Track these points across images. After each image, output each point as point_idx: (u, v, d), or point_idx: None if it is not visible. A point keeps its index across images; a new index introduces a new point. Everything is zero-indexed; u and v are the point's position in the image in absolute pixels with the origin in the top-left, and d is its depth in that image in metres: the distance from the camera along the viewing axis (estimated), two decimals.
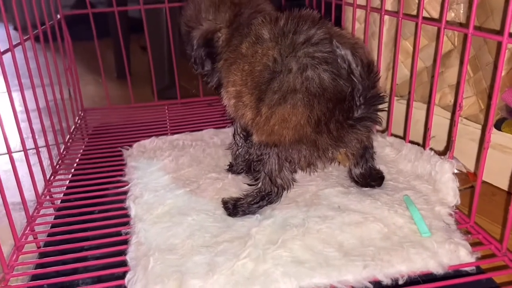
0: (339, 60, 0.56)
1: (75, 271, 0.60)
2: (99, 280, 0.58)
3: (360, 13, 0.94)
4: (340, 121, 0.57)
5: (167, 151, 0.84)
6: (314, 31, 0.60)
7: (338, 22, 1.01)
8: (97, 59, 1.11)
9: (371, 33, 0.96)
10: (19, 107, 0.70)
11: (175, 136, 0.91)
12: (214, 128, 0.96)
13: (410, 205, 0.63)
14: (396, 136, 0.82)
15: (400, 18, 0.76)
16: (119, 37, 1.11)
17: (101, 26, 1.08)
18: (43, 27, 0.85)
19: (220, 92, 0.70)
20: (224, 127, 0.97)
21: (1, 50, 0.63)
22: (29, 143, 0.74)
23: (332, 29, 0.63)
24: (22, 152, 0.67)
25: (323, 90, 0.57)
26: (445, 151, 0.84)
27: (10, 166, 0.62)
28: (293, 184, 0.64)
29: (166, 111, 1.14)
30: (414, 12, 0.89)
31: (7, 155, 0.61)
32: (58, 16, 0.98)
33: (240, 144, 0.74)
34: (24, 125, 0.69)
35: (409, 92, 0.88)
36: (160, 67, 1.33)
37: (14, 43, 0.68)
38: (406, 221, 0.61)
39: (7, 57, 0.64)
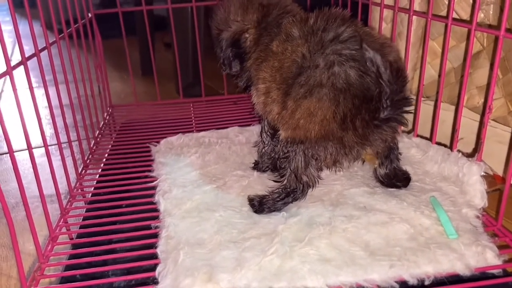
0: (367, 63, 0.56)
1: (105, 263, 0.62)
2: (129, 272, 0.60)
3: (386, 13, 0.94)
4: (366, 119, 0.58)
5: (194, 148, 0.86)
6: (343, 29, 0.60)
7: (365, 22, 1.01)
8: (122, 56, 1.13)
9: (397, 33, 0.95)
10: (46, 103, 0.72)
11: (201, 133, 0.93)
12: (239, 126, 0.97)
13: (437, 206, 0.63)
14: (421, 137, 0.82)
15: (429, 19, 0.75)
16: (145, 35, 1.13)
17: (126, 24, 1.11)
18: (76, 25, 0.88)
19: (250, 91, 0.71)
20: (248, 125, 0.98)
21: (39, 48, 0.66)
22: (60, 138, 0.76)
23: (361, 28, 0.63)
24: (53, 146, 0.69)
25: (349, 85, 0.58)
26: (472, 153, 0.83)
27: (41, 160, 0.64)
28: (318, 181, 0.65)
29: (191, 108, 1.16)
30: (443, 13, 0.88)
31: (38, 149, 0.63)
32: (90, 15, 1.01)
33: (267, 142, 0.75)
34: (55, 120, 0.71)
35: (437, 93, 0.87)
36: (185, 65, 1.35)
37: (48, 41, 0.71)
38: (433, 223, 0.61)
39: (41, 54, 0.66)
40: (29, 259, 0.70)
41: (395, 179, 0.68)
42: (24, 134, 0.57)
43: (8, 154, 0.47)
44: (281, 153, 0.65)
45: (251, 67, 0.70)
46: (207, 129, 0.97)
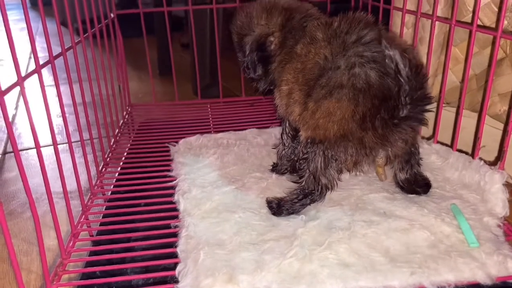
0: (387, 60, 0.56)
1: (123, 260, 0.63)
2: (147, 270, 0.61)
3: (408, 18, 0.93)
4: (385, 119, 0.58)
5: (212, 148, 0.86)
6: (365, 32, 0.61)
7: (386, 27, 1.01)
8: (139, 56, 1.14)
9: (419, 38, 0.95)
10: (68, 101, 0.73)
11: (219, 134, 0.93)
12: (256, 128, 0.98)
13: (458, 214, 0.63)
14: (441, 143, 0.82)
15: (453, 25, 0.75)
16: (163, 35, 1.14)
17: (146, 23, 1.11)
18: (100, 25, 0.89)
19: (272, 94, 0.71)
20: (266, 127, 0.99)
21: (65, 47, 0.67)
22: (82, 136, 0.77)
23: (384, 32, 0.63)
24: (73, 144, 0.69)
25: (368, 86, 0.58)
26: (494, 162, 0.82)
27: (55, 157, 0.64)
28: (337, 184, 0.64)
29: (209, 109, 1.17)
30: (465, 19, 0.87)
31: (53, 147, 0.63)
32: (112, 15, 1.02)
33: (287, 144, 0.76)
34: (78, 117, 0.72)
35: (459, 99, 0.86)
36: (202, 66, 1.36)
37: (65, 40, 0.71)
38: (454, 230, 0.60)
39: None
40: (49, 254, 0.71)
41: (415, 184, 0.68)
42: (50, 131, 0.58)
43: (28, 151, 0.48)
44: (300, 154, 0.65)
45: (275, 70, 0.70)
46: (225, 130, 0.98)
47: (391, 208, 0.64)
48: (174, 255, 0.59)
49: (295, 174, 0.75)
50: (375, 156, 0.61)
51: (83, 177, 0.76)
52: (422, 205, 0.65)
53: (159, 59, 1.64)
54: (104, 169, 0.85)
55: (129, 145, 0.98)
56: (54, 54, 0.61)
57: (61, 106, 0.63)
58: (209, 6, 1.15)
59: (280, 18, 0.70)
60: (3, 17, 0.46)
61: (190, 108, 1.20)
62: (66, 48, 0.67)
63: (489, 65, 0.85)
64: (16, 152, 0.46)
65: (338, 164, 0.62)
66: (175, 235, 0.64)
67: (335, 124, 0.59)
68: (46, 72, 0.60)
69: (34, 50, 0.55)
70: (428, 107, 0.59)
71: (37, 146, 0.53)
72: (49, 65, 0.61)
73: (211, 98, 1.23)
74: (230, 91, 1.37)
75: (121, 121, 1.07)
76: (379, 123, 0.57)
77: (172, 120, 1.11)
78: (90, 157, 0.80)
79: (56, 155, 0.59)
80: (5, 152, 1.10)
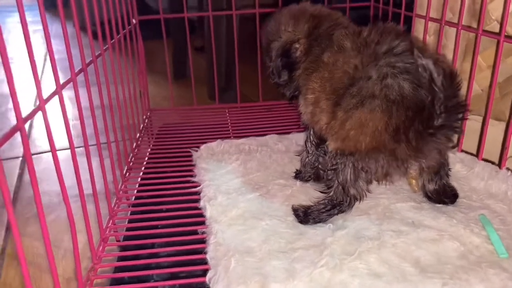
0: (420, 69, 0.56)
1: (149, 266, 0.63)
2: (172, 276, 0.62)
3: (430, 24, 0.93)
4: (420, 130, 0.57)
5: (235, 154, 0.86)
6: (397, 42, 0.60)
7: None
8: (155, 59, 1.14)
9: (441, 46, 0.95)
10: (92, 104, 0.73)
11: (241, 140, 0.94)
12: (276, 133, 0.98)
13: (487, 224, 0.63)
14: (466, 152, 0.81)
15: (479, 34, 0.75)
16: (179, 39, 1.15)
17: (160, 27, 1.12)
18: (124, 31, 0.90)
19: (298, 101, 0.71)
20: (286, 132, 0.99)
21: (95, 54, 0.67)
22: (108, 138, 0.77)
23: (416, 41, 0.63)
24: (94, 147, 0.69)
25: (402, 98, 0.57)
26: None
27: (80, 160, 0.64)
28: (366, 195, 0.64)
29: (227, 114, 1.17)
30: (488, 27, 0.87)
31: (78, 149, 0.63)
32: (134, 21, 1.03)
33: (311, 152, 0.76)
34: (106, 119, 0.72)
35: (485, 108, 0.86)
36: (218, 70, 1.36)
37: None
38: (483, 241, 0.60)
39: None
40: (73, 259, 0.71)
41: (444, 195, 0.68)
42: (82, 132, 0.59)
43: (51, 153, 0.48)
44: (329, 165, 0.65)
45: (299, 77, 0.70)
46: (245, 136, 0.98)
47: (419, 218, 0.64)
48: (200, 262, 0.60)
49: (319, 183, 0.75)
50: (407, 167, 0.61)
51: (102, 181, 0.76)
52: (451, 215, 0.65)
53: (174, 63, 1.65)
54: (128, 173, 0.86)
55: (149, 149, 0.98)
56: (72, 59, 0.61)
57: (92, 109, 0.63)
58: (229, 12, 1.16)
59: (307, 25, 0.71)
60: (21, 20, 0.47)
61: (208, 112, 1.20)
62: (87, 62, 0.68)
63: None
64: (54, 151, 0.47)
65: (368, 175, 0.62)
66: (201, 241, 0.64)
67: (368, 136, 0.59)
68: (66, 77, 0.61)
69: (70, 59, 0.56)
70: (463, 115, 0.59)
71: (86, 145, 0.53)
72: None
73: (226, 102, 1.23)
74: (246, 96, 1.37)
75: (142, 125, 1.07)
76: (413, 135, 0.57)
77: (191, 124, 1.12)
78: (109, 161, 0.80)
79: (87, 157, 0.60)
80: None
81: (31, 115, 0.44)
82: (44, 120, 0.48)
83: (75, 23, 0.61)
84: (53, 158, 0.49)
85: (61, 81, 0.54)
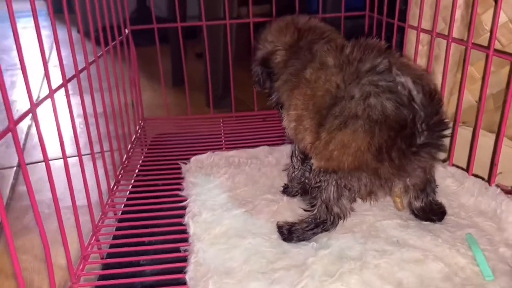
0: (399, 87, 0.55)
1: (132, 285, 0.62)
2: None
3: (423, 35, 0.92)
4: (403, 149, 0.57)
5: (224, 168, 0.86)
6: (380, 60, 0.59)
7: (400, 45, 1.00)
8: (153, 65, 1.13)
9: (434, 56, 0.93)
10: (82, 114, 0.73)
11: (231, 152, 0.93)
12: (268, 145, 0.97)
13: (473, 244, 0.61)
14: (457, 166, 0.80)
15: (469, 47, 0.73)
16: (177, 46, 1.15)
17: (160, 32, 1.11)
18: (113, 42, 0.90)
19: (280, 111, 0.71)
20: (278, 144, 0.98)
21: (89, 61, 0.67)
22: (93, 149, 0.77)
23: (398, 59, 0.62)
24: (85, 157, 0.69)
25: (385, 117, 0.57)
26: (511, 186, 0.80)
27: (72, 170, 0.64)
28: (350, 213, 0.64)
29: (221, 124, 1.17)
30: (482, 38, 0.85)
31: (62, 159, 0.63)
32: (127, 31, 1.03)
33: (297, 167, 0.75)
34: (89, 130, 0.72)
35: (475, 120, 0.84)
36: (215, 77, 1.36)
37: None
38: (469, 262, 0.59)
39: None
40: (60, 273, 0.71)
41: (431, 212, 0.67)
42: (76, 142, 0.59)
43: (43, 163, 0.48)
44: (312, 182, 0.64)
45: (279, 88, 0.70)
46: (237, 147, 0.98)
47: (405, 237, 0.63)
48: (181, 282, 0.59)
49: (305, 199, 0.75)
50: (391, 186, 0.60)
51: (94, 193, 0.76)
52: (437, 234, 0.63)
53: (173, 69, 1.65)
54: (115, 186, 0.85)
55: (140, 161, 0.98)
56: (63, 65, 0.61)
57: (85, 117, 0.64)
58: (223, 22, 1.15)
59: (289, 37, 0.71)
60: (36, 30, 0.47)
61: (202, 122, 1.20)
62: (80, 69, 0.68)
63: (507, 85, 0.83)
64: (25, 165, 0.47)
65: (352, 193, 0.61)
66: (184, 259, 0.63)
67: (350, 156, 0.58)
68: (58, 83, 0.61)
69: (61, 65, 0.56)
70: (445, 132, 0.58)
71: (46, 159, 0.53)
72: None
73: (224, 109, 1.23)
74: (243, 102, 1.36)
75: (134, 136, 1.07)
76: (396, 153, 0.56)
77: (184, 134, 1.11)
78: (101, 171, 0.80)
79: (66, 169, 0.59)
80: (19, 165, 1.11)
81: (22, 117, 0.47)
82: (35, 123, 0.49)
83: (68, 30, 0.61)
84: (46, 167, 0.50)
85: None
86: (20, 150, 0.46)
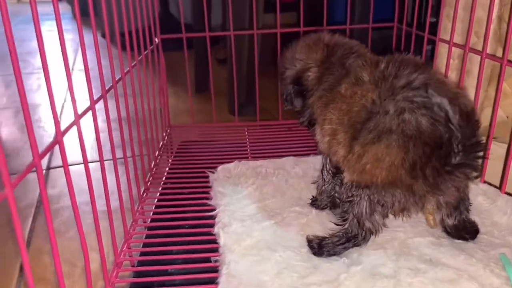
0: (435, 108, 0.55)
1: None
2: None
3: (453, 49, 0.91)
4: (437, 167, 0.56)
5: (251, 178, 0.86)
6: (415, 76, 0.59)
7: (431, 57, 0.99)
8: (177, 71, 1.14)
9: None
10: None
11: (258, 162, 0.93)
12: (294, 155, 0.97)
13: (507, 265, 0.60)
14: (489, 183, 0.79)
15: (504, 64, 0.72)
16: (201, 52, 1.16)
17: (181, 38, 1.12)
18: (146, 52, 0.91)
19: (314, 129, 0.71)
20: (303, 155, 0.98)
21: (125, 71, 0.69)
22: (125, 155, 0.78)
23: (434, 75, 0.62)
24: (112, 165, 0.69)
25: (419, 133, 0.56)
26: None
27: (97, 176, 0.64)
28: (382, 229, 0.63)
29: (246, 132, 1.17)
30: None
31: (93, 164, 0.64)
32: (157, 40, 1.04)
33: (328, 180, 0.75)
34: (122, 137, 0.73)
35: (510, 138, 0.83)
36: (239, 84, 1.37)
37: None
38: (503, 283, 0.58)
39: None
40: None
41: (464, 231, 0.66)
42: (111, 146, 0.59)
43: (63, 168, 0.48)
44: (344, 196, 0.64)
45: (313, 104, 0.70)
46: (262, 157, 0.98)
47: (438, 255, 0.63)
48: None
49: (334, 212, 0.75)
50: (424, 203, 0.60)
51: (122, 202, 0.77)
52: (470, 253, 0.63)
53: (196, 76, 1.67)
54: (145, 194, 0.87)
55: (167, 168, 0.99)
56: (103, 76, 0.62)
57: (120, 124, 0.65)
58: (250, 32, 1.16)
59: (319, 54, 0.71)
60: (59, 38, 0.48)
61: (227, 130, 1.20)
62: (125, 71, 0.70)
63: None
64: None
65: (385, 209, 0.61)
66: (214, 270, 0.64)
67: (383, 170, 0.58)
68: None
69: (101, 77, 0.57)
70: (481, 153, 0.57)
71: (86, 162, 0.54)
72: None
73: (246, 116, 1.23)
74: (266, 111, 1.37)
75: (161, 143, 1.08)
76: (430, 171, 0.56)
77: (210, 142, 1.12)
78: (125, 178, 0.80)
79: (102, 175, 0.60)
80: (48, 168, 1.14)
81: (67, 129, 0.48)
82: (79, 135, 0.51)
83: (107, 40, 0.62)
84: (86, 170, 0.51)
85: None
86: (66, 162, 0.47)
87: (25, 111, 0.38)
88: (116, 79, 0.63)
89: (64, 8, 3.47)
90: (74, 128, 0.50)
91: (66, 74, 0.49)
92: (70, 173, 0.49)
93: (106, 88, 0.62)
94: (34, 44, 0.40)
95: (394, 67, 0.61)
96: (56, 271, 0.46)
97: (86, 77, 0.54)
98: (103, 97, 0.59)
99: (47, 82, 0.44)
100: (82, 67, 0.58)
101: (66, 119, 1.45)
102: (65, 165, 0.48)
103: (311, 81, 0.70)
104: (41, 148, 0.41)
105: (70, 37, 2.58)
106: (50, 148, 0.44)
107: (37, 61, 2.20)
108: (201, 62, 1.63)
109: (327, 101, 0.67)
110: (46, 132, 1.38)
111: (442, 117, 0.54)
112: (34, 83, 1.89)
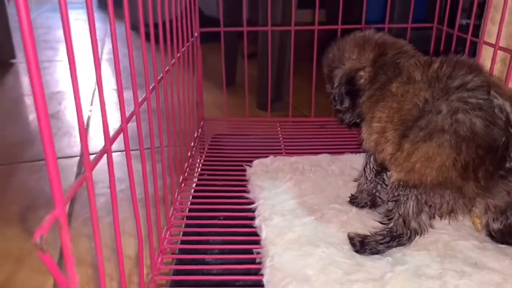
0: (496, 110, 0.55)
1: (208, 283, 0.64)
2: None
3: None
4: (490, 170, 0.56)
5: (289, 173, 0.87)
6: (470, 77, 0.59)
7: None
8: (206, 64, 1.15)
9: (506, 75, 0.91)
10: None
11: (293, 158, 0.94)
12: (328, 153, 0.97)
13: None
14: None
15: None
16: (230, 46, 1.15)
17: (210, 31, 1.12)
18: (187, 44, 0.92)
19: (360, 127, 0.71)
20: (338, 152, 0.98)
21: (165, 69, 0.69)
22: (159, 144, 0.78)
23: (489, 77, 0.61)
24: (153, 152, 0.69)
25: (473, 134, 0.56)
26: None
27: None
28: (428, 230, 0.63)
29: (278, 128, 1.17)
30: None
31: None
32: (196, 34, 1.05)
33: (370, 178, 0.75)
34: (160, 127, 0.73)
35: None
36: (267, 80, 1.37)
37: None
38: None
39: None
40: (129, 263, 0.73)
41: (508, 236, 0.65)
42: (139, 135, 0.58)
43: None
44: (390, 195, 0.64)
45: (363, 104, 0.70)
46: (296, 153, 0.98)
47: (483, 259, 0.62)
48: (255, 284, 0.60)
49: (375, 210, 0.75)
50: (474, 206, 0.59)
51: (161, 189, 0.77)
52: None
53: (225, 70, 1.67)
54: (183, 183, 0.88)
55: (202, 160, 1.00)
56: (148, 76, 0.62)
57: (158, 115, 0.65)
58: (287, 28, 1.16)
59: (372, 53, 0.70)
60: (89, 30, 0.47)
61: (259, 125, 1.21)
62: (166, 69, 0.70)
63: None
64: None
65: (432, 210, 0.61)
66: (254, 261, 0.65)
67: (434, 170, 0.58)
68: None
69: (146, 78, 0.57)
70: None
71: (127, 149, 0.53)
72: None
73: (274, 112, 1.24)
74: (294, 108, 1.37)
75: (196, 134, 1.09)
76: (482, 174, 0.56)
77: (242, 136, 1.13)
78: (163, 168, 0.81)
79: (153, 162, 0.61)
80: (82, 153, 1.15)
81: (115, 136, 0.47)
82: (125, 142, 0.50)
83: (150, 34, 0.61)
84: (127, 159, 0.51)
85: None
86: (112, 172, 0.46)
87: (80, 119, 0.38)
88: (155, 77, 0.62)
89: None
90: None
91: (116, 74, 0.48)
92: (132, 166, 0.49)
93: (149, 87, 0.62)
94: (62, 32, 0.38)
95: (448, 67, 0.61)
96: (97, 254, 0.46)
97: (132, 79, 0.53)
98: (147, 99, 0.58)
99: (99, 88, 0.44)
100: (108, 56, 0.58)
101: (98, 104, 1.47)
102: (127, 154, 0.49)
103: (364, 81, 0.70)
104: (72, 136, 0.41)
105: (98, 26, 2.62)
106: (100, 157, 0.43)
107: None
108: (229, 56, 1.64)
109: (376, 99, 0.66)
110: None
111: (502, 120, 0.53)
112: (61, 72, 1.92)
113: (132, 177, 0.52)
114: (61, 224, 0.31)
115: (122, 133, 0.49)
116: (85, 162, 0.39)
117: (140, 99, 0.55)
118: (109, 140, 0.44)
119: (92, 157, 0.40)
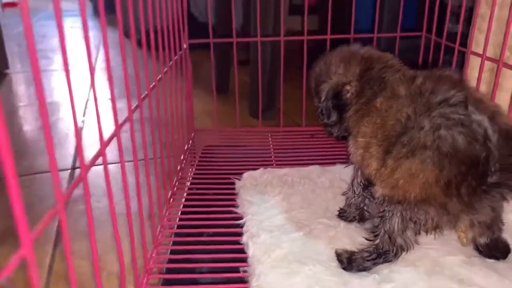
0: (474, 125, 0.55)
1: None
2: None
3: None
4: (473, 186, 0.56)
5: (278, 187, 0.86)
6: (453, 93, 0.58)
7: (460, 69, 0.98)
8: (196, 70, 1.15)
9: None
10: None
11: (283, 170, 0.93)
12: (319, 164, 0.97)
13: None
14: None
15: None
16: (222, 53, 1.15)
17: (203, 35, 1.12)
18: (177, 55, 0.91)
19: (347, 141, 0.71)
20: (328, 163, 0.98)
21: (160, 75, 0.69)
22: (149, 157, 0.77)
23: (472, 92, 0.61)
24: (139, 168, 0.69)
25: (455, 151, 0.56)
26: None
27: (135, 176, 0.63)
28: (414, 246, 0.63)
29: (269, 138, 1.17)
30: None
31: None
32: (185, 46, 1.05)
33: (358, 192, 0.74)
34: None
35: None
36: (258, 88, 1.37)
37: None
38: None
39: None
40: (115, 281, 0.73)
41: (495, 250, 0.65)
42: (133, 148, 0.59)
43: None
44: (376, 211, 0.64)
45: (350, 118, 0.70)
46: (287, 164, 0.98)
47: (470, 275, 0.62)
48: None
49: (363, 224, 0.74)
50: (458, 222, 0.59)
51: (146, 203, 0.77)
52: (503, 275, 0.62)
53: (216, 76, 1.66)
54: (171, 198, 0.87)
55: (192, 173, 0.99)
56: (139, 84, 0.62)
57: (152, 128, 0.65)
58: (277, 38, 1.16)
59: (358, 68, 0.70)
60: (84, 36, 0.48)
61: (250, 135, 1.20)
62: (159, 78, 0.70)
63: None
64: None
65: (417, 226, 0.60)
66: (242, 280, 0.64)
67: (417, 186, 0.57)
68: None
69: (138, 85, 0.58)
70: None
71: (123, 163, 0.54)
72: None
73: (266, 120, 1.23)
74: (287, 116, 1.37)
75: (186, 147, 1.09)
76: (465, 190, 0.55)
77: (233, 147, 1.13)
78: (154, 182, 0.81)
79: (136, 178, 0.60)
80: (73, 167, 1.15)
81: (109, 141, 0.48)
82: (118, 142, 0.51)
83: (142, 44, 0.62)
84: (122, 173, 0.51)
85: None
86: (109, 182, 0.46)
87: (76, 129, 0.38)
88: (147, 85, 0.63)
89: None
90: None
91: (109, 82, 0.49)
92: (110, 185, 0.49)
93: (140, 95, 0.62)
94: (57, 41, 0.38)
95: (431, 82, 0.61)
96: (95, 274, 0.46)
97: (126, 86, 0.54)
98: (139, 106, 0.59)
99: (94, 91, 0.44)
100: (104, 65, 0.58)
101: (90, 115, 1.47)
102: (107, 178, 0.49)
103: (350, 95, 0.70)
104: (63, 147, 0.41)
105: (91, 34, 2.61)
106: (95, 160, 0.45)
107: (59, 58, 2.22)
108: (221, 63, 1.63)
109: (362, 114, 0.66)
110: (69, 130, 1.39)
111: (481, 135, 0.53)
112: (55, 81, 1.91)
113: (111, 194, 0.51)
114: (29, 263, 0.31)
115: (115, 137, 0.50)
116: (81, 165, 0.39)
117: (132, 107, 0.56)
118: (103, 144, 0.44)
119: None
